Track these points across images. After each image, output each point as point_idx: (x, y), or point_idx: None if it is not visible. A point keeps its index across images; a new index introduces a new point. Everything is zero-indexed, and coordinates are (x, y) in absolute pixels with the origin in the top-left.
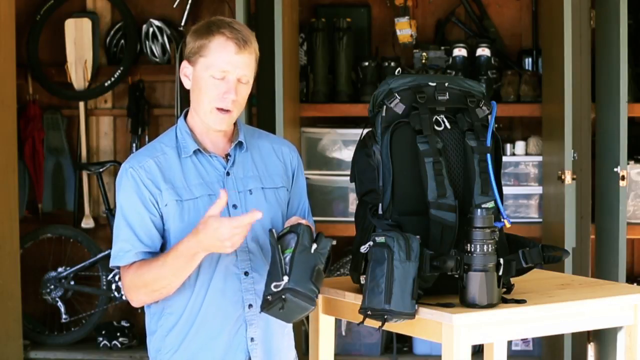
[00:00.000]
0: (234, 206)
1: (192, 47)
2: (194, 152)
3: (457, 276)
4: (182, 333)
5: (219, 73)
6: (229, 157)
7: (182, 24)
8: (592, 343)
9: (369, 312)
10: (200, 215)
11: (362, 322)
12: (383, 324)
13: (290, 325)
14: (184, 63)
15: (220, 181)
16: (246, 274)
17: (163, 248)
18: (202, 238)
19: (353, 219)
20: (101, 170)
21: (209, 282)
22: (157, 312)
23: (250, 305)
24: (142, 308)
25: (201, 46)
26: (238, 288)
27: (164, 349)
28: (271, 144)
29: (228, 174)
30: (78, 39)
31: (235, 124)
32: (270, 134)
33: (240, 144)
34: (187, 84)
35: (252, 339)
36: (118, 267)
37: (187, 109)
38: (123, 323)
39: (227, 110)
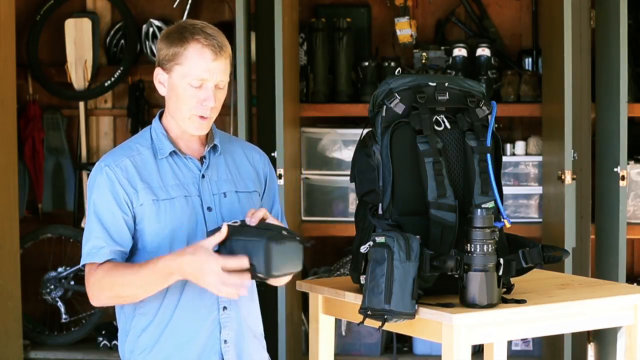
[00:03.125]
0: (209, 209)
1: (165, 54)
2: (170, 153)
3: (457, 276)
4: (155, 334)
5: (197, 81)
6: (204, 160)
7: None
8: (592, 343)
9: (369, 312)
10: (177, 215)
11: (362, 322)
12: (383, 324)
13: (260, 329)
14: (158, 70)
15: (196, 183)
16: None
17: (133, 250)
18: (185, 263)
19: (353, 219)
20: None
21: (184, 283)
22: (130, 313)
23: (224, 308)
24: None
25: (176, 54)
26: None
27: (137, 350)
28: (243, 150)
29: (203, 176)
30: (78, 39)
31: None
32: (241, 140)
33: (215, 147)
34: (162, 91)
35: (225, 341)
36: (84, 266)
37: (162, 110)
38: None
39: (206, 117)
